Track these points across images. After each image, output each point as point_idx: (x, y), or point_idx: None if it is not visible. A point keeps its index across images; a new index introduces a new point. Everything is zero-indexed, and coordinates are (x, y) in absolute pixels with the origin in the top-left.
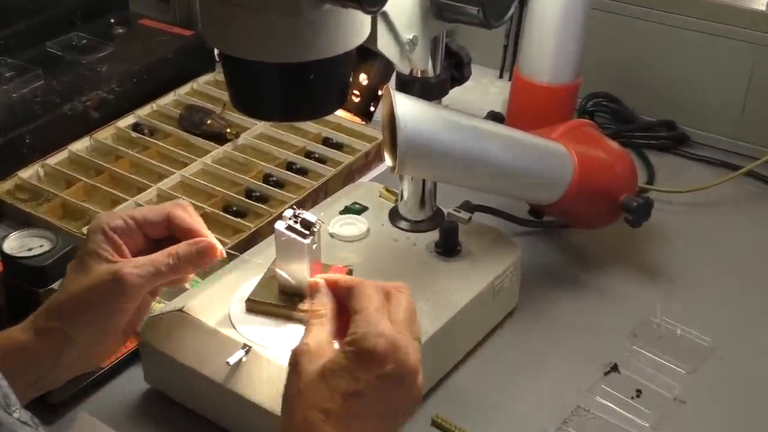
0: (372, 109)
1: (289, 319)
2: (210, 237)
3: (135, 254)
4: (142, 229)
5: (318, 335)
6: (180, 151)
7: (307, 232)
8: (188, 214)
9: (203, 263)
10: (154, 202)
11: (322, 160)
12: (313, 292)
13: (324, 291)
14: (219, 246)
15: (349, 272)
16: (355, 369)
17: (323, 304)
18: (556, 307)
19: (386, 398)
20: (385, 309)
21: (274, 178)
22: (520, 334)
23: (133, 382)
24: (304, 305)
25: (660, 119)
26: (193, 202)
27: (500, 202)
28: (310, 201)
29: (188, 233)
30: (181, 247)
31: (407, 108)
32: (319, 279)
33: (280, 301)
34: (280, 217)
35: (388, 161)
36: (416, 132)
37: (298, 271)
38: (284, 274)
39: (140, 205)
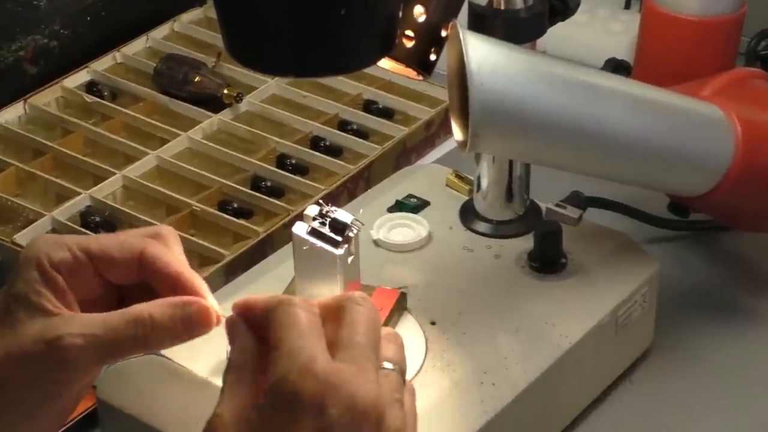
0: (433, 58)
1: None
2: (205, 294)
3: (85, 305)
4: (99, 268)
5: (236, 398)
6: (156, 122)
7: (340, 239)
8: (172, 254)
9: (190, 335)
10: (119, 199)
11: (362, 133)
12: (229, 331)
13: (241, 328)
14: (216, 310)
15: (401, 297)
16: (282, 425)
17: (242, 350)
18: (708, 346)
19: None
20: (316, 332)
21: (293, 161)
22: (655, 387)
23: None
24: None
25: None
26: (175, 195)
27: (624, 193)
28: (345, 193)
29: (170, 284)
30: (157, 308)
31: (485, 56)
32: (234, 308)
33: None
34: (300, 217)
35: (457, 134)
36: (498, 91)
37: (326, 295)
38: None
39: (102, 202)
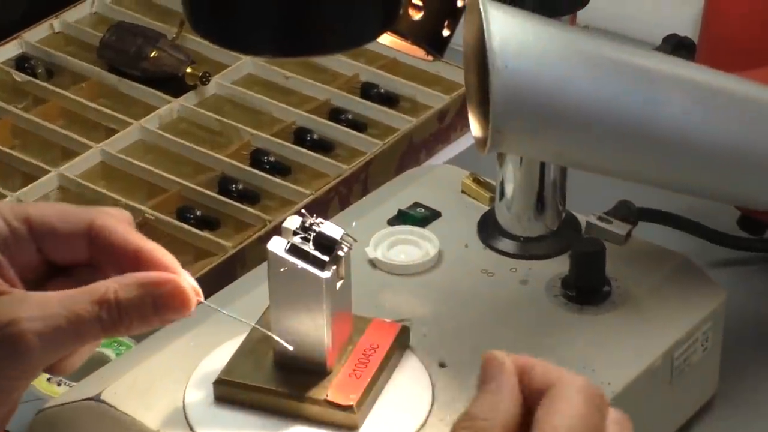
0: (446, 33)
1: (293, 415)
2: (177, 270)
3: (35, 277)
4: (39, 241)
5: None
6: (102, 108)
7: (327, 258)
8: (126, 228)
9: (161, 320)
10: (54, 200)
11: (358, 124)
12: (487, 371)
13: (505, 377)
14: (195, 288)
15: (402, 333)
16: None
17: (493, 408)
18: None
19: None
20: None
21: (272, 158)
22: None
23: None
24: (330, 390)
25: None
26: (123, 200)
27: (683, 204)
28: (335, 200)
29: (128, 263)
30: (122, 287)
31: (511, 31)
32: (500, 354)
33: (274, 383)
34: (278, 230)
35: (475, 129)
36: (526, 76)
37: (308, 329)
38: (280, 338)
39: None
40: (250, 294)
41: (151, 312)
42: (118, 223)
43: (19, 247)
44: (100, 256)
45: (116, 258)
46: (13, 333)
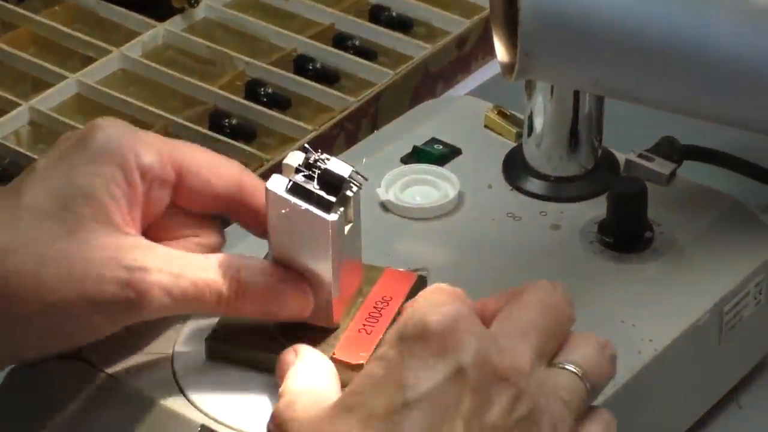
0: None
1: None
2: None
3: (144, 228)
4: (181, 192)
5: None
6: (78, 34)
7: (334, 199)
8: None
9: (274, 314)
10: (25, 141)
11: (367, 52)
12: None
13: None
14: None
15: (419, 282)
16: (396, 367)
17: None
18: None
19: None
20: (459, 296)
21: (270, 90)
22: None
23: None
24: (337, 348)
25: None
26: None
27: (735, 141)
28: (341, 136)
29: (263, 230)
30: (250, 268)
31: None
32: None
33: (273, 339)
34: (276, 171)
35: (501, 54)
36: None
37: (312, 278)
38: None
39: (2, 145)
40: (246, 240)
41: (268, 304)
42: (260, 183)
43: (159, 192)
44: (238, 213)
45: (252, 222)
46: (142, 280)
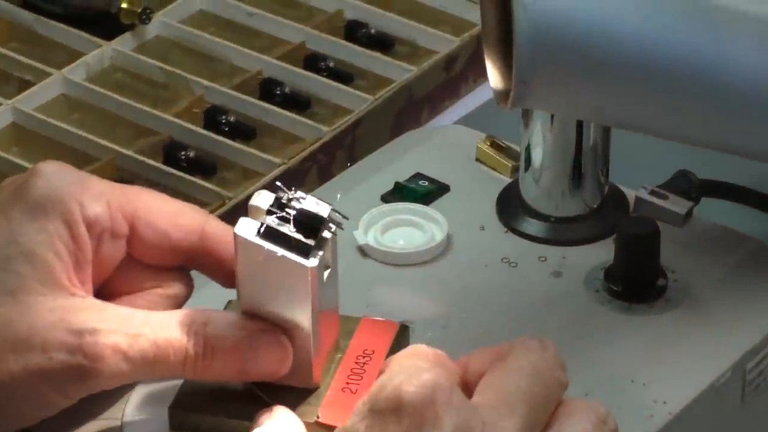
0: None
1: None
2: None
3: (97, 285)
4: (136, 245)
5: None
6: (14, 55)
7: (312, 243)
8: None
9: (250, 373)
10: None
11: (343, 74)
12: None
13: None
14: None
15: (401, 333)
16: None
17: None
18: None
19: None
20: (440, 361)
21: (232, 118)
22: None
23: None
24: (321, 410)
25: None
26: None
27: (757, 175)
28: (313, 170)
29: (228, 279)
30: (217, 321)
31: None
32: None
33: (246, 405)
34: (239, 211)
35: (494, 79)
36: (560, 9)
37: (289, 332)
38: None
39: None
40: (208, 287)
41: (241, 362)
42: (227, 230)
43: (111, 245)
44: (202, 265)
45: (218, 272)
46: (94, 343)
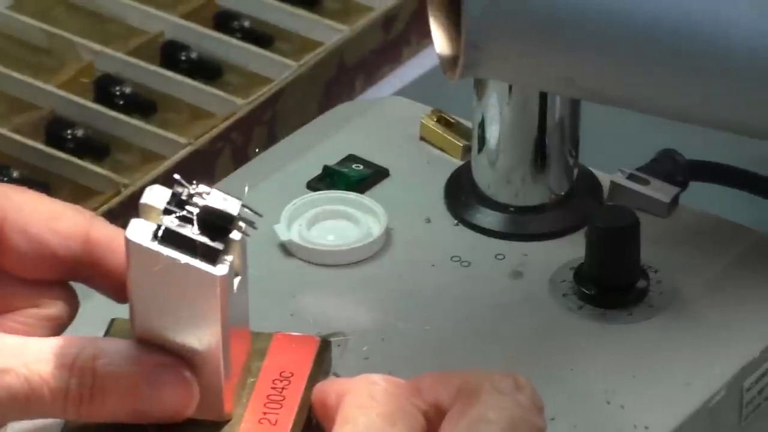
0: None
1: None
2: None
3: None
4: (11, 252)
5: None
6: None
7: (220, 246)
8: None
9: (148, 414)
10: None
11: (260, 36)
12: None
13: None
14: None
15: (323, 350)
16: None
17: None
18: None
19: None
20: (405, 412)
21: (127, 90)
22: None
23: None
24: None
25: None
26: None
27: (752, 155)
28: (225, 152)
29: (119, 292)
30: (107, 353)
31: None
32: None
33: None
34: (137, 201)
35: (440, 44)
36: None
37: (191, 355)
38: None
39: None
40: (95, 296)
41: (137, 402)
42: (117, 234)
43: None
44: (87, 278)
45: (107, 285)
46: None
